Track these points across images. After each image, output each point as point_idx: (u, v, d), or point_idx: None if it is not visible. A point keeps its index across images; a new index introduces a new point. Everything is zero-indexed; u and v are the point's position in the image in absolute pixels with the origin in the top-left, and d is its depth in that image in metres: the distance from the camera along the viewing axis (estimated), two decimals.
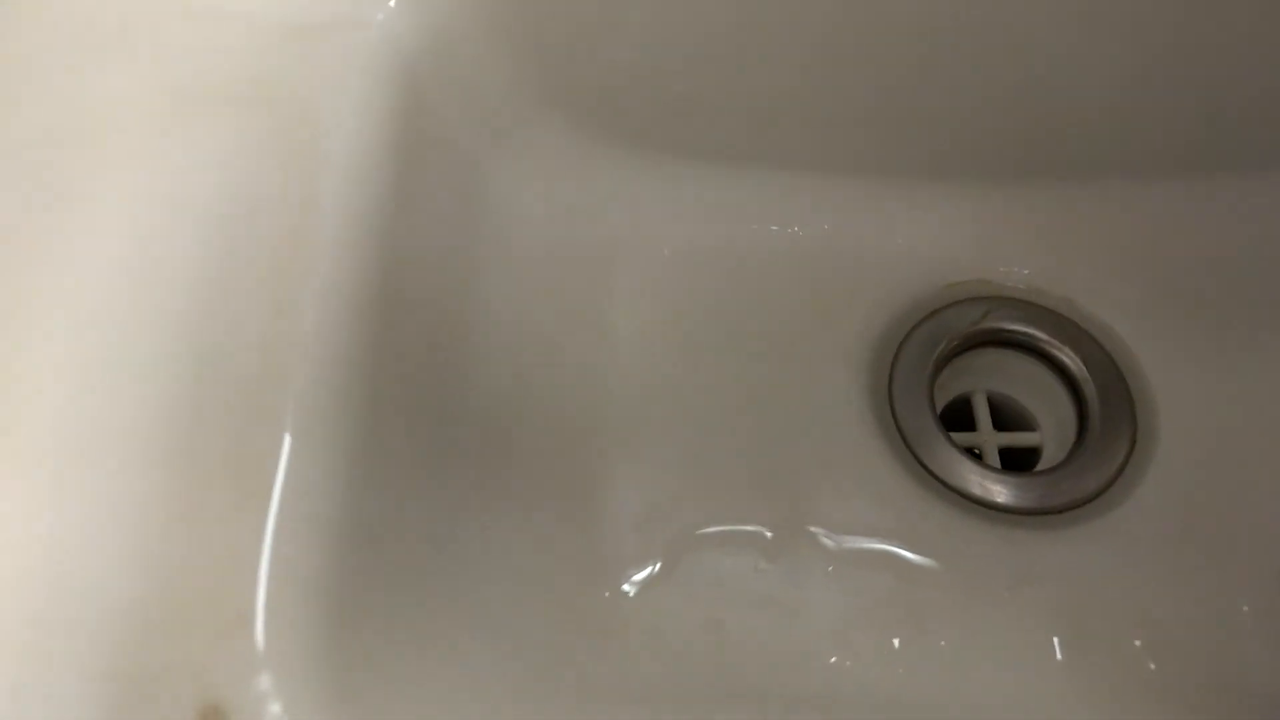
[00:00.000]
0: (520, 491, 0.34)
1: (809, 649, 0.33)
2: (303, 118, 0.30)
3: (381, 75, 0.32)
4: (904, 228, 0.40)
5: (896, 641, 0.33)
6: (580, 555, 0.34)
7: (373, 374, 0.29)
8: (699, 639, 0.33)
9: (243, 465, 0.25)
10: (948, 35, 0.36)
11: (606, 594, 0.33)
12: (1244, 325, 0.37)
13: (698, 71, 0.38)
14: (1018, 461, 0.39)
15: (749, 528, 0.35)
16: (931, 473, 0.36)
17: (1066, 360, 0.38)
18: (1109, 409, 0.37)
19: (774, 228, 0.40)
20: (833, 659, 0.32)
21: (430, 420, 0.32)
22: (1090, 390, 0.37)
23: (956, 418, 0.40)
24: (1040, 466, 0.38)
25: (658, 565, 0.34)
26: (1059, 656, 0.33)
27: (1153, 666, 0.32)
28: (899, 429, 0.37)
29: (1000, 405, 0.40)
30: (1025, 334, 0.39)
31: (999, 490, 0.36)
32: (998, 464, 0.38)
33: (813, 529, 0.35)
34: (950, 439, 0.37)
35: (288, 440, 0.26)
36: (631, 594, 0.33)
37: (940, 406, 0.39)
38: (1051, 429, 0.39)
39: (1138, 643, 0.33)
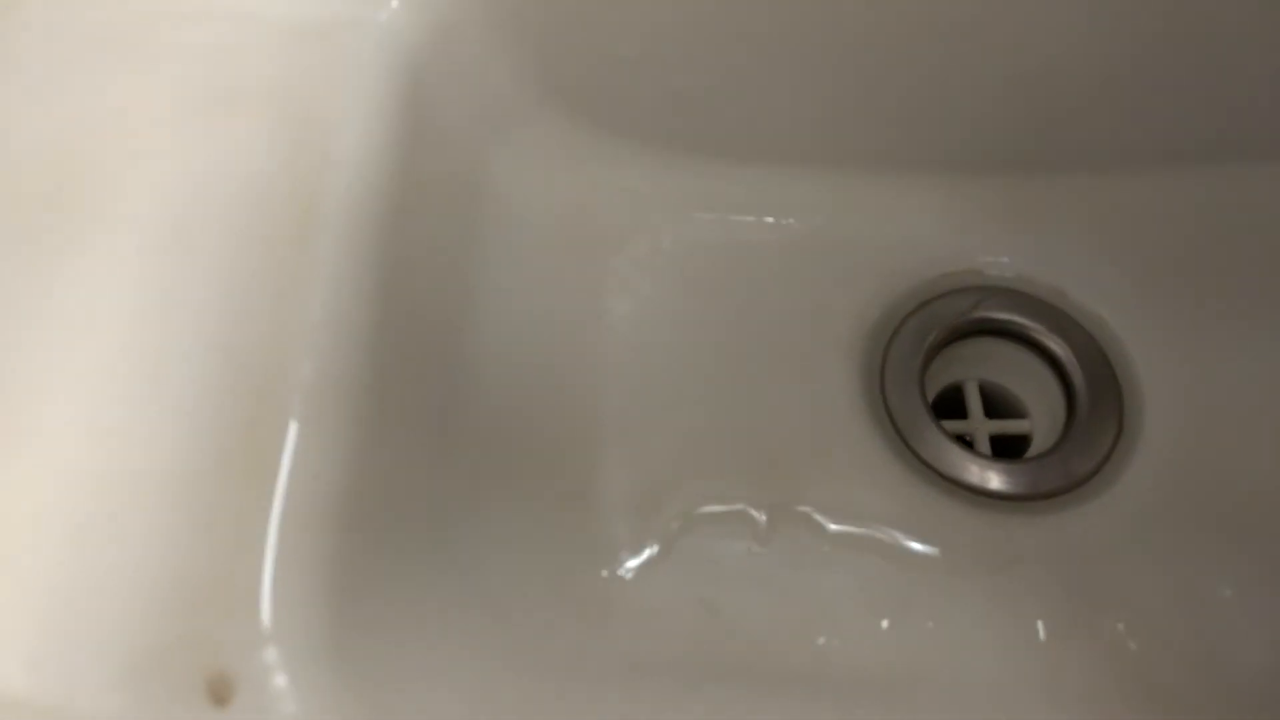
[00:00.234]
0: (520, 476, 0.35)
1: (799, 629, 0.34)
2: (309, 116, 0.31)
3: (385, 72, 0.33)
4: (898, 219, 0.41)
5: (885, 623, 0.34)
6: (578, 537, 0.35)
7: (376, 363, 0.30)
8: (693, 618, 0.34)
9: (251, 451, 0.27)
10: (940, 28, 0.36)
11: (604, 574, 0.34)
12: (1231, 314, 0.38)
13: (696, 66, 0.38)
14: (1009, 448, 0.39)
15: (743, 511, 0.36)
16: (923, 459, 0.37)
17: (1056, 349, 0.39)
18: (1097, 397, 0.38)
19: (770, 220, 0.41)
20: (821, 639, 0.33)
21: (432, 407, 0.33)
22: (1079, 379, 0.38)
23: (948, 405, 0.40)
24: (1030, 453, 0.39)
25: (655, 548, 0.35)
26: (1042, 638, 0.33)
27: (1133, 647, 0.33)
28: (891, 416, 0.38)
29: (991, 393, 0.41)
30: (1015, 323, 0.39)
31: (989, 476, 0.37)
32: (988, 451, 0.39)
33: (805, 513, 0.36)
34: (941, 426, 0.38)
35: (294, 427, 0.27)
36: (628, 575, 0.34)
37: (932, 395, 0.39)
38: (1041, 416, 0.39)
39: (1120, 625, 0.33)
